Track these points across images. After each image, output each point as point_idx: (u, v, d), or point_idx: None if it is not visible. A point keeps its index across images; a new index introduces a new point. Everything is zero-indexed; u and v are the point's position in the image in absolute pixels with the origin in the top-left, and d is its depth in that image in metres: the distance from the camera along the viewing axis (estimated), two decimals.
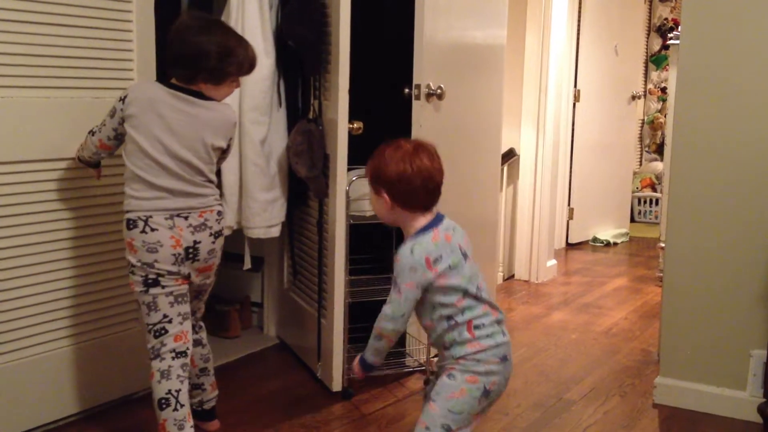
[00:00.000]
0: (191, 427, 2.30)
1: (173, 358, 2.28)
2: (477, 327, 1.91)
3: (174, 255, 2.26)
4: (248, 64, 2.32)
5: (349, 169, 2.87)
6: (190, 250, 2.28)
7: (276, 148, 3.08)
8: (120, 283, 2.71)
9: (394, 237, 3.19)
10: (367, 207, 3.04)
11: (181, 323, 2.31)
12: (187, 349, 2.32)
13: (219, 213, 2.35)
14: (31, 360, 2.50)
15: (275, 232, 3.12)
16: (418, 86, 3.05)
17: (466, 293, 1.90)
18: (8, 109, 2.35)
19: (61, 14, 2.45)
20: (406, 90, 3.08)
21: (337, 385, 2.92)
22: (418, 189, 1.90)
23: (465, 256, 1.93)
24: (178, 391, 2.27)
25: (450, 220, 1.97)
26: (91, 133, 2.37)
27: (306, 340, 3.18)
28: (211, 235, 2.32)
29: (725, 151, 2.77)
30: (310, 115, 3.01)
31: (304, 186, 3.06)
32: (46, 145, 2.46)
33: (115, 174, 2.62)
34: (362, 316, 3.16)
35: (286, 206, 3.17)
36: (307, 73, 3.01)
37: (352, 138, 2.87)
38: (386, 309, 1.91)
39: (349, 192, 2.87)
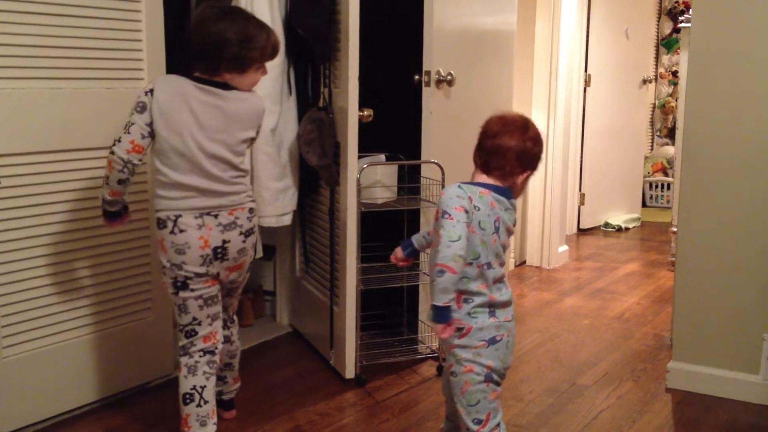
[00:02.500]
0: (214, 423, 2.31)
1: (201, 356, 2.29)
2: (465, 301, 1.94)
3: (202, 256, 2.22)
4: (271, 48, 2.27)
5: (359, 157, 2.87)
6: (219, 250, 2.24)
7: (287, 136, 3.08)
8: (134, 273, 2.73)
9: (405, 224, 3.19)
10: (378, 195, 3.04)
11: (210, 324, 2.31)
12: (216, 348, 2.33)
13: (251, 210, 2.31)
14: (48, 349, 2.52)
15: (287, 220, 3.12)
16: (428, 73, 3.05)
17: (476, 259, 1.91)
18: (19, 100, 2.37)
19: (70, 5, 2.45)
20: (416, 77, 3.08)
21: (350, 372, 2.93)
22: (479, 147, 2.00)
23: (497, 229, 1.93)
24: (203, 387, 2.28)
25: (509, 202, 1.98)
26: (117, 142, 2.19)
27: (319, 327, 3.19)
28: (241, 234, 2.27)
29: (737, 134, 2.76)
30: (321, 104, 3.01)
31: (315, 174, 3.06)
32: (55, 137, 2.46)
33: None
34: (374, 304, 3.18)
35: (298, 195, 3.17)
36: (317, 62, 3.01)
37: (363, 126, 2.87)
38: (441, 240, 1.86)
39: (360, 180, 2.87)
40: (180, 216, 2.20)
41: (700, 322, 2.89)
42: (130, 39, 2.63)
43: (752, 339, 2.80)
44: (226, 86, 2.23)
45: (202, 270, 2.23)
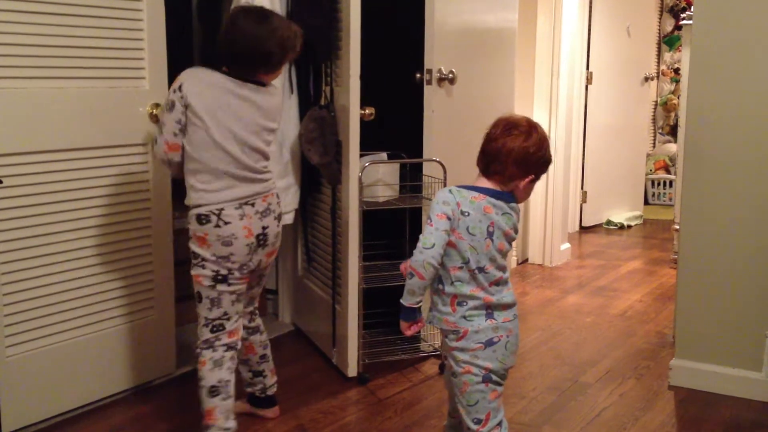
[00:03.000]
0: (234, 419, 2.33)
1: (225, 350, 2.32)
2: (459, 304, 1.94)
3: (248, 245, 2.26)
4: (300, 45, 2.32)
5: (361, 155, 2.87)
6: (261, 237, 2.29)
7: (288, 135, 3.08)
8: (136, 272, 2.73)
9: (407, 223, 3.19)
10: (380, 193, 3.04)
11: (236, 321, 2.35)
12: (237, 345, 2.36)
13: (277, 195, 2.38)
14: (50, 349, 2.52)
15: (289, 219, 3.13)
16: (429, 71, 3.04)
17: (466, 264, 1.91)
18: (22, 99, 2.37)
19: (72, 4, 2.46)
20: (418, 75, 3.08)
21: (352, 370, 2.93)
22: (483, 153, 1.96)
23: (490, 234, 1.92)
24: (228, 381, 2.30)
25: (508, 206, 1.95)
26: (155, 141, 2.32)
27: (321, 326, 3.19)
28: (275, 218, 2.34)
29: (739, 131, 2.75)
30: (322, 102, 3.01)
31: (317, 173, 3.07)
32: (58, 136, 2.47)
33: (126, 163, 2.63)
34: (376, 302, 3.17)
35: (300, 193, 3.18)
36: (319, 60, 3.01)
37: (364, 124, 2.87)
38: (418, 244, 1.89)
39: (362, 178, 2.87)
40: (222, 209, 2.22)
41: (703, 320, 2.89)
42: (132, 38, 2.63)
43: (755, 336, 2.79)
44: (260, 82, 2.28)
45: (247, 259, 2.28)
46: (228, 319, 2.32)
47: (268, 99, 2.30)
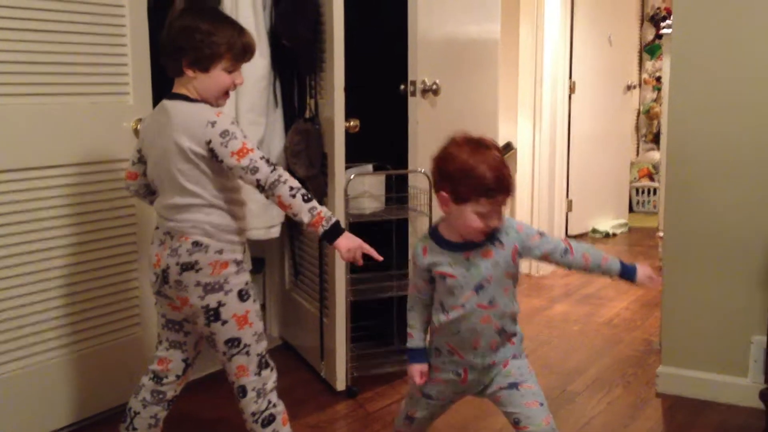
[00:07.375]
0: None
1: (149, 379, 2.20)
2: None
3: (154, 274, 2.10)
4: (241, 46, 2.13)
5: (347, 168, 2.87)
6: (164, 273, 2.08)
7: (274, 148, 3.08)
8: (122, 288, 2.71)
9: (394, 235, 3.19)
10: (366, 205, 3.04)
11: (167, 349, 2.19)
12: (165, 377, 2.19)
13: (195, 243, 2.04)
14: (33, 369, 2.49)
15: (275, 232, 3.12)
16: (413, 82, 3.06)
17: None
18: (4, 116, 2.35)
19: (55, 20, 2.45)
20: (402, 86, 3.09)
21: (341, 383, 2.92)
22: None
23: None
24: (136, 413, 2.19)
25: None
26: None
27: (309, 339, 3.18)
28: (178, 264, 2.04)
29: (721, 138, 2.78)
30: (307, 115, 3.01)
31: (303, 186, 3.06)
32: (42, 153, 2.45)
33: (111, 179, 2.62)
34: (364, 315, 3.17)
35: None
36: (303, 73, 3.01)
37: (349, 136, 2.87)
38: (565, 243, 2.10)
39: (348, 190, 2.87)
40: (157, 228, 2.15)
41: (689, 326, 2.90)
42: (115, 54, 2.62)
43: (740, 342, 2.81)
44: (184, 98, 2.06)
45: (154, 288, 2.13)
46: (160, 343, 2.20)
47: (179, 114, 2.09)
